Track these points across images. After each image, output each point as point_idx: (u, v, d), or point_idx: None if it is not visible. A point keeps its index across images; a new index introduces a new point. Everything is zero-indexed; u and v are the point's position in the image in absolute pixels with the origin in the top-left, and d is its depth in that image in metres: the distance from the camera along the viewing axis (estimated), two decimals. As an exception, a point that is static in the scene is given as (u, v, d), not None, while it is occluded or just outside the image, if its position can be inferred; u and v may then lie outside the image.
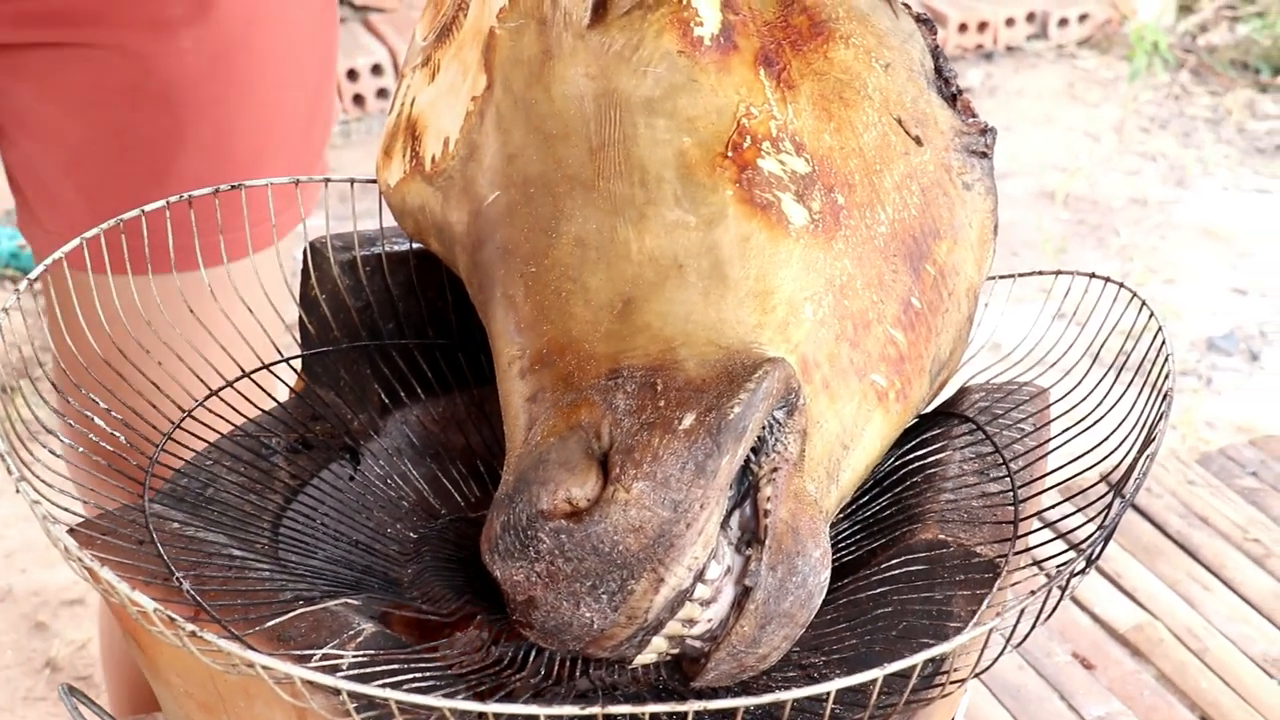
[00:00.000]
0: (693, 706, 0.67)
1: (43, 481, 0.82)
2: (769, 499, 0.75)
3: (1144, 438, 0.88)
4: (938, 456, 0.96)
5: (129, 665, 1.55)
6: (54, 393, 0.90)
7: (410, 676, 0.77)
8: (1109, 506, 0.85)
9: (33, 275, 0.91)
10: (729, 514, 0.76)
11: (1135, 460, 0.86)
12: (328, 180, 1.09)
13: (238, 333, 1.03)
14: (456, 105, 0.92)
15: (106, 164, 1.27)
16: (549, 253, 0.83)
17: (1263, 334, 3.07)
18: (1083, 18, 4.42)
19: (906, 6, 0.91)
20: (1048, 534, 0.92)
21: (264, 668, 0.70)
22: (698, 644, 0.76)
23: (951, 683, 0.79)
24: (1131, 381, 0.94)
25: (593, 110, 0.85)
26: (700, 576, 0.74)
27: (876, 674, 0.70)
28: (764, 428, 0.76)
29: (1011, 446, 0.97)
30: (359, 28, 4.14)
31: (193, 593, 0.81)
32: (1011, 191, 3.59)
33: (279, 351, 1.06)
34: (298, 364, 1.06)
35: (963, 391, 1.03)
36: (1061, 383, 1.01)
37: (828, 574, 0.77)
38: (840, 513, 0.94)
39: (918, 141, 0.88)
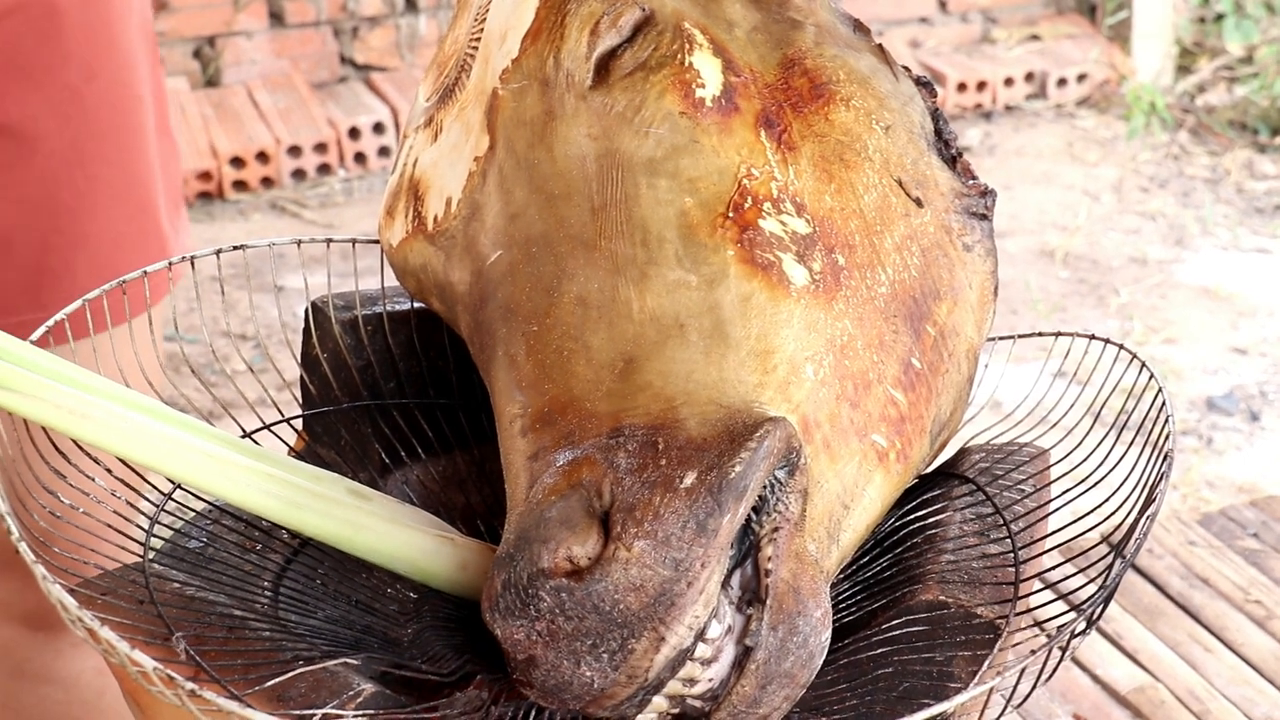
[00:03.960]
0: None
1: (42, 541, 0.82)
2: (770, 558, 0.75)
3: (1145, 498, 0.88)
4: (938, 517, 0.96)
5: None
6: (54, 452, 0.90)
7: (410, 737, 0.77)
8: (1110, 567, 0.85)
9: (34, 337, 0.91)
10: (730, 573, 0.76)
11: (1136, 521, 0.86)
12: (330, 240, 1.09)
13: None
14: (459, 165, 0.92)
15: None
16: (551, 312, 0.84)
17: (1263, 394, 3.07)
18: (1081, 77, 4.44)
19: (907, 69, 0.92)
20: (1048, 594, 0.91)
21: (263, 728, 0.70)
22: (698, 704, 0.76)
23: (953, 744, 0.79)
24: (1132, 441, 0.94)
25: (595, 170, 0.86)
26: (701, 635, 0.74)
27: (878, 735, 0.70)
28: (765, 487, 0.76)
29: (1012, 507, 0.96)
30: (361, 86, 4.17)
31: (192, 652, 0.81)
32: (1011, 250, 3.60)
33: (279, 411, 1.06)
34: (298, 423, 1.06)
35: (963, 452, 1.03)
36: (1062, 443, 1.01)
37: (829, 634, 0.77)
38: (841, 573, 0.94)
39: (918, 203, 0.88)
